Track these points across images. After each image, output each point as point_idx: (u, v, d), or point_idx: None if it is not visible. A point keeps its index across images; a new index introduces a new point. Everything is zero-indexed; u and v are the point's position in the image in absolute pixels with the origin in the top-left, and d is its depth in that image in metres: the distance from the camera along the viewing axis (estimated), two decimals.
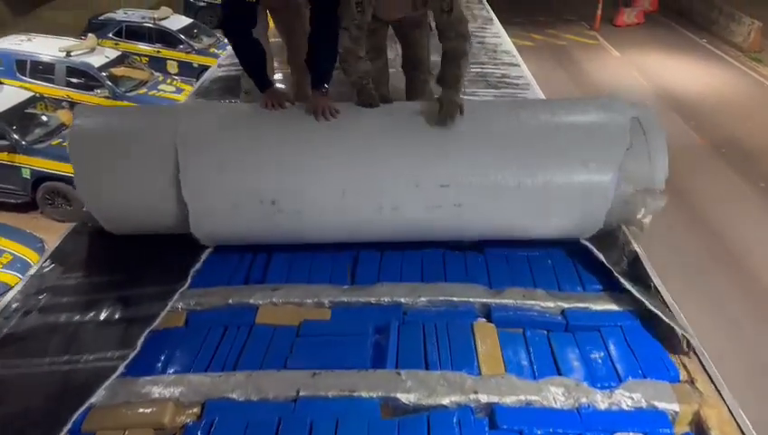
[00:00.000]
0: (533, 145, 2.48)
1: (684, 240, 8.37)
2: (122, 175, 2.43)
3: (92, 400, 1.85)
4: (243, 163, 2.42)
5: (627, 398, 1.90)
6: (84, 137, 2.53)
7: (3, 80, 10.03)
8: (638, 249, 2.57)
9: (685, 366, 2.07)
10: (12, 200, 8.93)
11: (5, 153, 8.66)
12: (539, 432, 1.79)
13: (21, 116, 9.14)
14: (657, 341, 2.16)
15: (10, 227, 7.48)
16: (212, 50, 12.95)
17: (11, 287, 6.54)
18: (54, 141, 8.99)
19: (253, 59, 2.81)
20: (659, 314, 2.19)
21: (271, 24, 3.55)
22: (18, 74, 10.93)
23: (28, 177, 8.75)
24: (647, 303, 2.23)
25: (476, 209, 2.46)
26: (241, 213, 2.42)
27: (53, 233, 7.70)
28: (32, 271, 2.54)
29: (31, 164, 8.70)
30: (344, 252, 2.62)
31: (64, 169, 8.63)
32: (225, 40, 3.15)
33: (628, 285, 2.32)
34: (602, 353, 2.10)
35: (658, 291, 2.38)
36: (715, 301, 7.10)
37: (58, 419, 1.77)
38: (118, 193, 2.44)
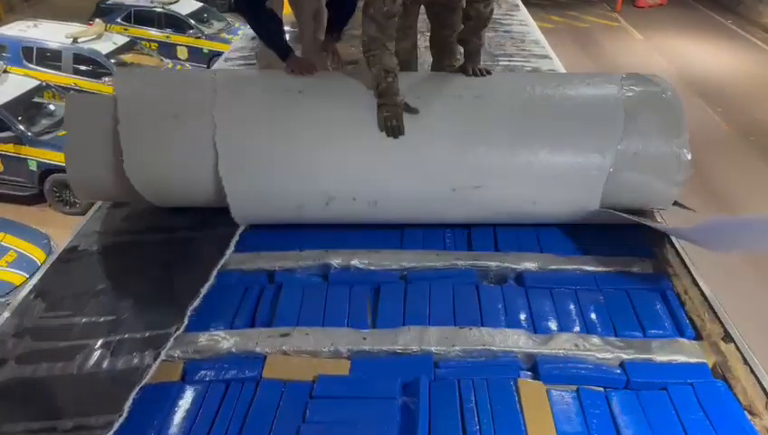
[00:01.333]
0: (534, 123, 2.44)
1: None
2: (164, 145, 2.43)
3: None
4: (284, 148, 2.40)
5: None
6: (130, 104, 2.44)
7: (9, 68, 9.76)
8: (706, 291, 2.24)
9: None
10: (19, 193, 8.73)
11: (12, 145, 8.43)
12: None
13: (27, 106, 8.89)
14: (736, 403, 1.82)
15: (15, 223, 7.27)
16: (222, 35, 12.57)
17: (16, 287, 6.36)
18: (61, 132, 8.73)
19: (272, 28, 2.80)
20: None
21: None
22: (25, 62, 10.67)
23: (35, 169, 8.53)
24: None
25: (494, 190, 2.45)
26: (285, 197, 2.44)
27: (61, 226, 7.50)
28: (13, 305, 2.25)
29: (37, 156, 8.47)
30: (364, 284, 2.30)
31: None
32: (236, 25, 3.06)
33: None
34: (672, 419, 1.77)
35: (732, 339, 2.04)
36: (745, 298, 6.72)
37: None
38: (160, 164, 2.44)
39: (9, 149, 8.46)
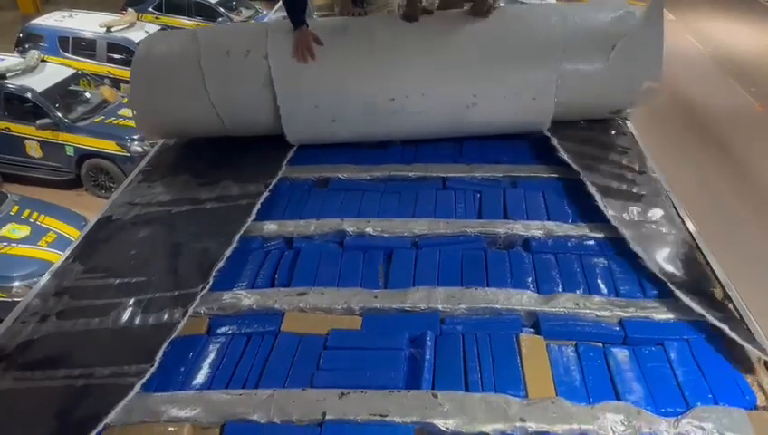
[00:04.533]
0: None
1: (737, 211, 7.90)
2: (237, 78, 2.96)
3: (107, 420, 1.73)
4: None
5: (696, 428, 1.67)
6: (209, 48, 3.00)
7: (46, 57, 10.11)
8: (703, 248, 2.30)
9: (763, 389, 1.81)
10: (57, 177, 9.08)
11: (50, 131, 8.77)
12: None
13: (64, 93, 9.22)
14: (729, 358, 1.90)
15: (54, 205, 7.59)
16: (251, 22, 12.77)
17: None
18: (97, 118, 9.05)
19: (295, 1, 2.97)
20: (727, 330, 1.93)
21: None
22: (61, 51, 11.04)
23: (72, 154, 8.86)
24: (709, 317, 1.98)
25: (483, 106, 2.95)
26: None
27: (96, 210, 7.79)
28: (53, 268, 2.45)
29: (74, 142, 8.79)
30: (377, 250, 2.43)
31: (107, 146, 8.72)
32: (264, 12, 3.26)
33: (684, 296, 2.07)
34: (667, 372, 1.86)
35: (729, 298, 2.11)
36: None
37: None
38: (236, 94, 2.98)
39: (47, 135, 8.81)
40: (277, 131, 3.05)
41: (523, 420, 1.69)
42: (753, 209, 8.16)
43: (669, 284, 2.14)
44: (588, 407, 1.74)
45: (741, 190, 8.46)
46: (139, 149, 8.59)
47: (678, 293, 2.09)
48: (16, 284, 6.38)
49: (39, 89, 8.89)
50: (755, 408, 1.76)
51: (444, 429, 1.69)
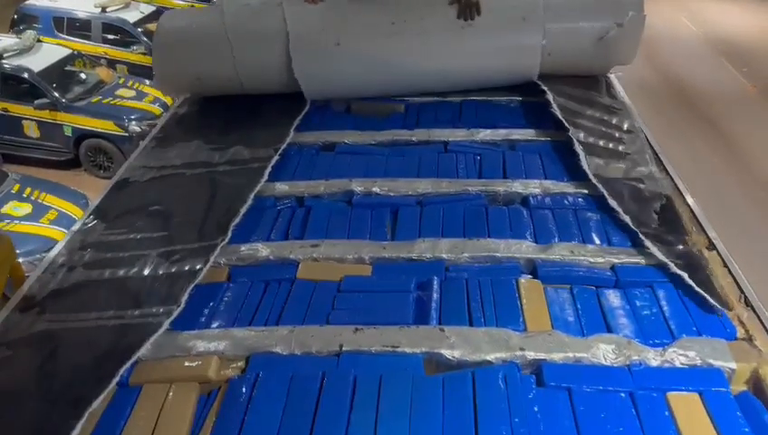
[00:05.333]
0: None
1: (731, 190, 8.10)
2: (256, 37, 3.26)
3: (139, 354, 1.87)
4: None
5: (680, 355, 1.83)
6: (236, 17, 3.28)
7: (42, 38, 10.12)
8: (690, 202, 2.46)
9: (743, 323, 1.98)
10: (55, 158, 9.15)
11: (47, 111, 8.82)
12: (588, 390, 1.74)
13: (60, 74, 9.26)
14: (713, 297, 2.07)
15: (55, 183, 7.67)
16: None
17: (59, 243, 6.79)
18: (94, 99, 9.11)
19: None
20: (686, 277, 2.10)
21: None
22: (56, 32, 11.03)
23: (70, 134, 8.93)
24: (671, 265, 2.15)
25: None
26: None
27: (95, 190, 7.88)
28: (75, 226, 2.58)
29: (72, 122, 8.85)
30: (384, 208, 2.57)
31: (105, 126, 8.79)
32: None
33: (650, 245, 2.24)
34: (654, 310, 2.03)
35: (714, 246, 2.28)
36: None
37: (105, 372, 1.79)
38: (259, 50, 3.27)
39: (45, 115, 8.86)
40: (289, 85, 3.25)
41: (522, 349, 1.85)
42: (742, 184, 8.37)
43: (640, 234, 2.30)
44: (582, 339, 1.90)
45: (732, 168, 8.66)
46: (137, 128, 8.67)
47: (646, 242, 2.26)
48: (20, 260, 6.47)
49: (36, 69, 8.93)
50: (735, 339, 1.92)
51: (450, 358, 1.84)
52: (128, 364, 1.83)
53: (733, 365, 1.81)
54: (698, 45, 13.29)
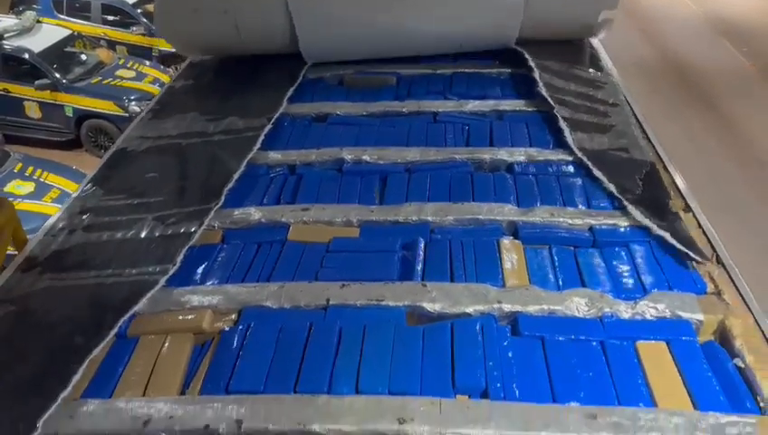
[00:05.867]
0: None
1: (728, 170, 8.14)
2: None
3: (136, 308, 1.97)
4: None
5: (651, 308, 1.92)
6: None
7: (41, 18, 10.14)
8: (668, 165, 2.55)
9: (712, 279, 2.07)
10: (57, 138, 9.21)
11: (48, 92, 8.87)
12: (560, 339, 1.83)
13: (61, 55, 9.29)
14: (694, 252, 2.15)
15: (57, 163, 7.75)
16: None
17: None
18: (94, 79, 9.15)
19: None
20: (668, 237, 2.19)
21: None
22: (56, 12, 11.03)
23: (71, 115, 8.98)
24: (654, 227, 2.23)
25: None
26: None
27: None
28: (75, 193, 2.67)
29: (72, 102, 8.90)
30: (373, 175, 2.65)
31: (106, 106, 8.84)
32: None
33: (633, 210, 2.32)
34: (629, 267, 2.12)
35: (689, 208, 2.36)
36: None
37: (104, 324, 1.89)
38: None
39: (46, 95, 8.91)
40: (289, 45, 3.40)
41: (499, 302, 1.94)
42: (739, 163, 8.40)
43: (623, 200, 2.39)
44: (557, 293, 1.99)
45: (731, 148, 8.68)
46: (137, 108, 8.71)
47: (629, 206, 2.34)
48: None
49: (36, 49, 8.96)
50: (705, 293, 2.01)
51: (431, 310, 1.94)
52: (126, 317, 1.93)
53: (700, 317, 1.90)
54: (698, 24, 13.23)
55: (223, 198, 2.44)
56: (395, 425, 1.56)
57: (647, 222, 2.27)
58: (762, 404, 1.65)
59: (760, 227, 6.92)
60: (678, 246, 2.16)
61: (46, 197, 7.03)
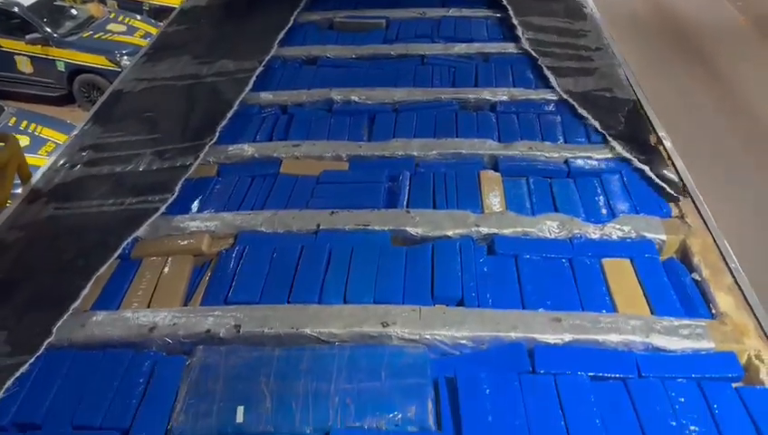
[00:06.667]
0: None
1: (719, 126, 8.23)
2: None
3: (138, 233, 2.10)
4: None
5: (617, 230, 2.07)
6: None
7: None
8: (642, 100, 2.67)
9: (678, 206, 2.21)
10: (49, 94, 9.19)
11: (39, 46, 8.82)
12: (532, 257, 1.98)
13: (51, 9, 9.20)
14: (654, 184, 2.29)
15: (51, 117, 7.79)
16: None
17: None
18: (85, 34, 9.09)
19: None
20: (647, 170, 2.32)
21: None
22: None
23: (63, 69, 8.94)
24: (634, 159, 2.36)
25: None
26: None
27: None
28: (74, 132, 2.78)
29: (64, 57, 8.86)
30: (361, 114, 2.76)
31: (97, 61, 8.80)
32: None
33: (616, 144, 2.45)
34: (600, 195, 2.26)
35: (661, 143, 2.49)
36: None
37: (108, 247, 2.03)
38: None
39: (37, 50, 8.85)
40: None
41: (477, 225, 2.09)
42: (729, 118, 8.49)
43: (607, 135, 2.51)
44: (531, 217, 2.14)
45: (723, 103, 8.75)
46: (129, 63, 8.70)
47: (612, 141, 2.47)
48: (19, 192, 6.67)
49: (26, 3, 8.88)
50: (670, 217, 2.16)
51: (414, 234, 2.08)
52: (129, 239, 2.06)
53: (663, 237, 2.05)
54: None
55: (217, 134, 2.55)
56: (379, 328, 1.72)
57: (628, 156, 2.40)
58: (713, 311, 1.81)
59: (740, 172, 7.05)
60: (657, 179, 2.30)
61: (41, 150, 7.08)
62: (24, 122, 7.38)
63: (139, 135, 2.66)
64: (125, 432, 1.52)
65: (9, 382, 1.59)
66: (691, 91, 8.95)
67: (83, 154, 2.59)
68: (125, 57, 8.83)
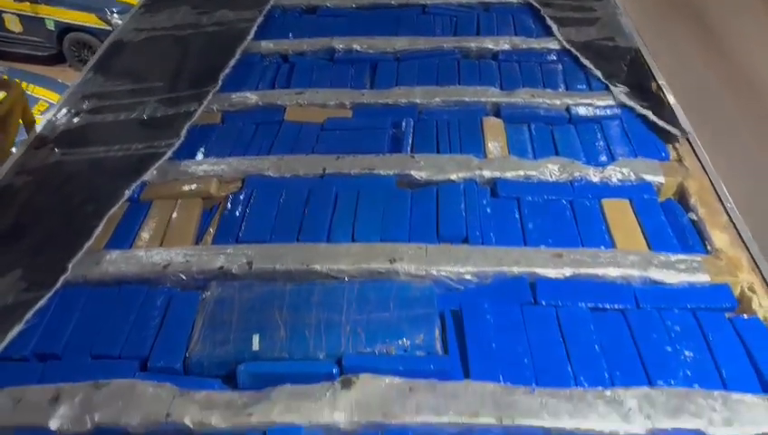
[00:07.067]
0: None
1: (714, 83, 8.24)
2: None
3: (146, 177, 2.13)
4: None
5: (617, 172, 2.12)
6: None
7: None
8: (642, 49, 2.69)
9: (677, 149, 2.26)
10: (39, 53, 9.04)
11: (27, 3, 8.64)
12: (534, 199, 2.03)
13: None
14: (655, 129, 2.33)
15: (42, 75, 7.69)
16: None
17: None
18: None
19: None
20: (651, 115, 2.36)
21: None
22: None
23: (53, 28, 8.78)
24: (637, 106, 2.40)
25: None
26: None
27: None
28: (76, 81, 2.77)
29: (53, 15, 8.69)
30: (363, 63, 2.77)
31: (87, 19, 8.65)
32: None
33: (618, 91, 2.48)
34: (600, 140, 2.30)
35: (661, 89, 2.52)
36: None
37: (118, 190, 2.06)
38: None
39: (26, 8, 8.67)
40: None
41: (480, 169, 2.13)
42: (725, 77, 8.48)
43: (609, 84, 2.54)
44: (532, 161, 2.18)
45: (720, 67, 8.72)
46: (120, 21, 8.55)
47: (614, 89, 2.50)
48: (12, 150, 6.63)
49: None
50: (668, 160, 2.21)
51: (418, 178, 2.12)
52: (137, 183, 2.09)
53: (661, 179, 2.11)
54: None
55: (220, 82, 2.56)
56: (386, 264, 1.77)
57: (630, 102, 2.43)
58: (709, 248, 1.88)
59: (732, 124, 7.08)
60: (659, 122, 2.34)
61: (34, 109, 6.98)
62: (16, 81, 7.28)
63: (141, 84, 2.66)
64: (143, 361, 1.58)
65: (29, 315, 1.63)
66: (687, 51, 8.93)
67: (87, 102, 2.59)
68: (116, 15, 8.67)
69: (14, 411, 1.43)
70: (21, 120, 2.61)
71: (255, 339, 1.57)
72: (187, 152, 2.28)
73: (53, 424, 1.39)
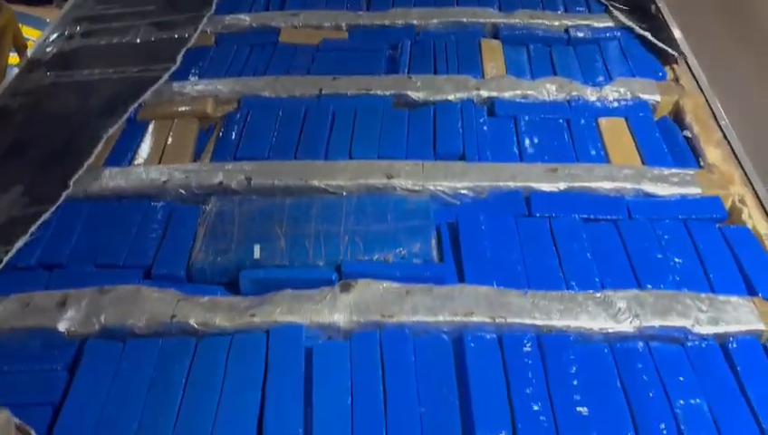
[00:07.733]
0: None
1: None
2: None
3: (142, 99, 2.12)
4: None
5: (614, 91, 2.12)
6: None
7: None
8: None
9: (674, 70, 2.26)
10: None
11: None
12: (531, 118, 2.04)
13: None
14: (652, 51, 2.32)
15: (31, 15, 7.49)
16: None
17: None
18: None
19: None
20: (650, 36, 2.34)
21: None
22: None
23: None
24: (637, 27, 2.39)
25: None
26: None
27: None
28: (67, 5, 2.72)
29: None
30: None
31: None
32: None
33: (618, 13, 2.46)
34: (598, 61, 2.29)
35: (660, 11, 2.49)
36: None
37: (115, 111, 2.05)
38: None
39: None
40: None
41: (478, 89, 2.12)
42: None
43: (609, 5, 2.51)
44: (530, 81, 2.17)
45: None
46: None
47: (614, 10, 2.47)
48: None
49: None
50: (665, 80, 2.21)
51: (416, 98, 2.12)
52: (134, 105, 2.08)
53: (657, 98, 2.11)
54: None
55: (214, 5, 2.52)
56: (384, 180, 1.79)
57: (630, 23, 2.41)
58: (702, 163, 1.90)
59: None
60: (658, 43, 2.33)
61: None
62: (6, 3, 7.12)
63: (133, 7, 2.61)
64: (147, 270, 1.61)
65: (33, 227, 1.66)
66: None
67: (79, 26, 2.55)
68: None
69: (24, 315, 1.47)
70: (13, 44, 2.56)
71: (257, 248, 1.61)
72: (182, 74, 2.26)
73: (62, 326, 1.44)
